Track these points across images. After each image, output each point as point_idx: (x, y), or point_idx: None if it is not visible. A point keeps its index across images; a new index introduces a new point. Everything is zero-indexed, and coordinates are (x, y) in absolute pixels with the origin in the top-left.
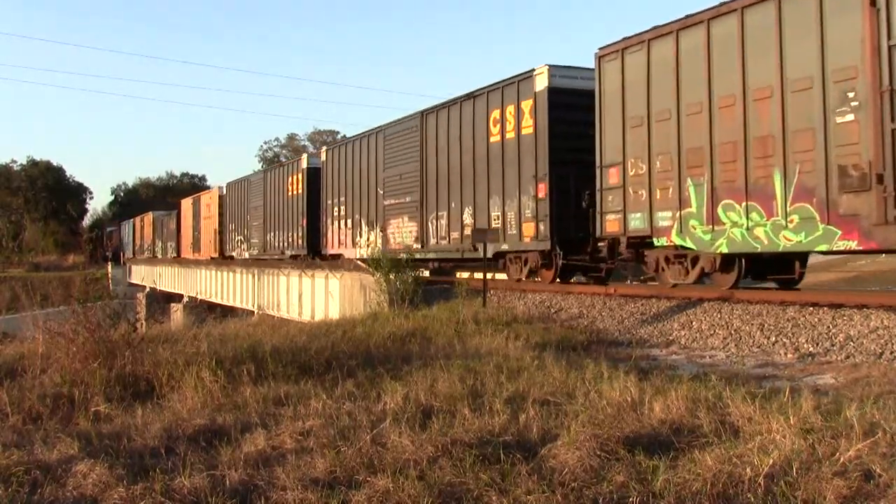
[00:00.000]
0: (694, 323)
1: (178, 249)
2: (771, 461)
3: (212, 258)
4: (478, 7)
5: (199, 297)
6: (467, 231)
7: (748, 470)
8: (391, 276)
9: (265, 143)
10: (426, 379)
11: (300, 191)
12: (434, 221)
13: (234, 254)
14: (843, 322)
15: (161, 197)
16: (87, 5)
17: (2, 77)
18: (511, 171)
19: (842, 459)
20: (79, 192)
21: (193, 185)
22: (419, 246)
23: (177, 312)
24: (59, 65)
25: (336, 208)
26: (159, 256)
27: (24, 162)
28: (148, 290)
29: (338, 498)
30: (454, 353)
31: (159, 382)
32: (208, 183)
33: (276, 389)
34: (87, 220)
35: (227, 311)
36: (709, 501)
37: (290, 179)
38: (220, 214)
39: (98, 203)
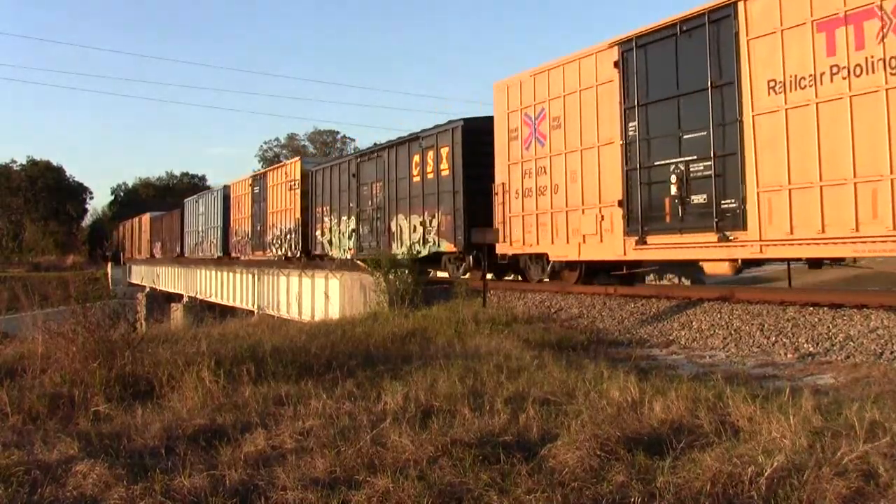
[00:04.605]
0: (694, 323)
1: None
2: (771, 461)
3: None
4: (478, 7)
5: (198, 297)
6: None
7: (749, 470)
8: (391, 276)
9: (265, 143)
10: (426, 379)
11: None
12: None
13: None
14: (843, 322)
15: (161, 197)
16: (87, 5)
17: (2, 77)
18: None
19: (842, 459)
20: (79, 192)
21: (193, 185)
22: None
23: (177, 312)
24: (60, 65)
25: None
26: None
27: (24, 162)
28: (148, 290)
29: (338, 498)
30: (454, 352)
31: (159, 382)
32: (208, 183)
33: (276, 389)
34: (87, 220)
35: (226, 311)
36: (709, 501)
37: None
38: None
39: (98, 203)
